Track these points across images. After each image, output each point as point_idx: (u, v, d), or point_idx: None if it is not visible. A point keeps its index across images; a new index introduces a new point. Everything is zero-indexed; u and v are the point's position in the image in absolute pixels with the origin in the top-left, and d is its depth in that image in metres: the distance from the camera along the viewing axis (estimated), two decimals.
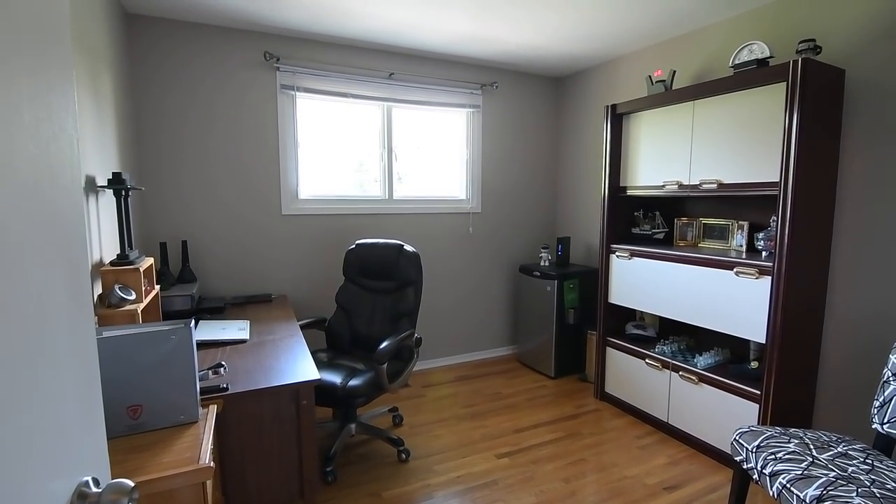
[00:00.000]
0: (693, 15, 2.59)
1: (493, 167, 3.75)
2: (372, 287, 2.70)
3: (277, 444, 1.69)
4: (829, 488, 1.38)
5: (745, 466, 1.66)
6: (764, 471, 1.55)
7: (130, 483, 0.61)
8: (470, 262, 3.76)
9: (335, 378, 2.21)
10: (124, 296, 1.63)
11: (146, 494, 1.04)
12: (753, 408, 2.16)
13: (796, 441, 1.65)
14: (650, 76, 2.74)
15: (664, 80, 2.65)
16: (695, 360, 2.49)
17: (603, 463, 2.36)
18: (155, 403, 1.24)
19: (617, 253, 2.91)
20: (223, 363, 1.72)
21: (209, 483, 1.15)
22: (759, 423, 2.14)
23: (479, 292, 3.83)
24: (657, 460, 2.38)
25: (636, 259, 2.77)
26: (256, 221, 3.01)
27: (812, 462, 1.53)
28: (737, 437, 1.72)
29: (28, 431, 0.48)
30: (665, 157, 2.63)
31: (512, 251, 3.94)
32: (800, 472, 1.47)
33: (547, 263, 3.61)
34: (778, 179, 2.04)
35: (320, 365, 2.35)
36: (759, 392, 2.14)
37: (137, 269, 1.72)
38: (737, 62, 2.26)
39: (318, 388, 2.02)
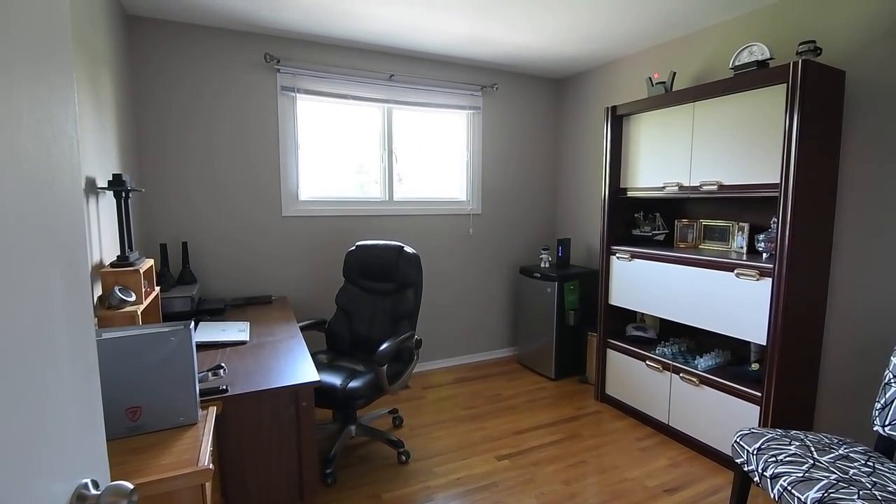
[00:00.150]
0: (692, 17, 2.60)
1: (494, 168, 3.76)
2: (372, 288, 2.70)
3: (277, 445, 1.68)
4: (830, 491, 1.38)
5: (745, 469, 1.66)
6: (765, 473, 1.55)
7: (129, 485, 0.61)
8: (470, 264, 3.76)
9: (335, 380, 2.20)
10: (124, 297, 1.63)
11: (145, 496, 1.04)
12: (754, 410, 2.16)
13: (797, 443, 1.65)
14: (650, 78, 2.74)
15: (664, 82, 2.66)
16: (695, 362, 2.49)
17: (603, 465, 2.36)
18: (154, 405, 1.24)
19: (617, 254, 2.91)
20: (223, 365, 1.72)
21: (208, 485, 1.15)
22: (759, 426, 2.13)
23: (479, 294, 3.83)
24: (658, 462, 2.38)
25: (637, 260, 2.77)
26: (257, 223, 3.01)
27: (813, 464, 1.52)
28: (737, 440, 1.72)
29: (27, 433, 0.48)
30: (665, 158, 2.63)
31: (512, 252, 3.94)
32: (801, 475, 1.47)
33: (547, 265, 3.61)
34: (778, 181, 2.04)
35: (320, 366, 2.34)
36: (759, 394, 2.14)
37: (137, 271, 1.72)
38: (737, 64, 2.26)
39: (318, 389, 2.02)
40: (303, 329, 2.44)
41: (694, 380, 2.44)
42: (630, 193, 2.88)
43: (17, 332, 0.47)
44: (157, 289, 2.11)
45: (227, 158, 2.89)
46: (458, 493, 2.13)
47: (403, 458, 2.38)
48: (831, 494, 1.37)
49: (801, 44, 2.08)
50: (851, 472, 1.49)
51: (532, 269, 3.57)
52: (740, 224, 2.49)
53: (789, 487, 1.44)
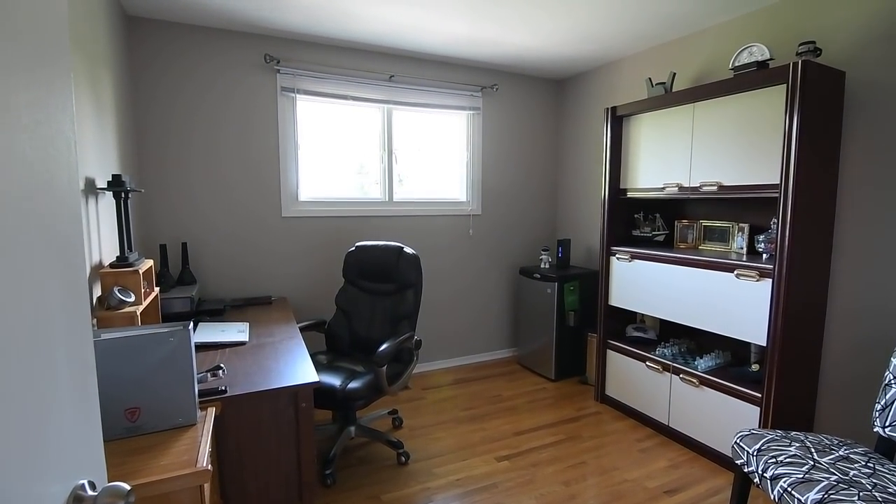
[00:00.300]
0: (691, 17, 2.60)
1: (494, 169, 3.76)
2: (372, 289, 2.70)
3: (276, 446, 1.68)
4: (830, 492, 1.38)
5: (746, 470, 1.65)
6: (765, 474, 1.54)
7: (126, 486, 0.61)
8: (470, 264, 3.76)
9: (334, 380, 2.20)
10: (123, 298, 1.63)
11: (143, 497, 1.03)
12: (754, 411, 2.16)
13: (797, 444, 1.64)
14: (650, 78, 2.74)
15: (664, 83, 2.66)
16: (695, 363, 2.49)
17: (603, 466, 2.36)
18: (153, 406, 1.24)
19: (617, 255, 2.90)
20: (222, 365, 1.72)
21: (207, 486, 1.15)
22: (760, 426, 2.13)
23: (479, 294, 3.83)
24: (658, 463, 2.38)
25: (637, 261, 2.77)
26: (256, 223, 3.01)
27: (813, 466, 1.52)
28: (738, 441, 1.72)
29: (23, 434, 0.48)
30: (665, 159, 2.63)
31: (512, 253, 3.93)
32: (801, 476, 1.46)
33: (547, 265, 3.61)
34: (778, 181, 2.04)
35: (319, 367, 2.34)
36: (759, 395, 2.13)
37: (137, 271, 1.72)
38: (737, 64, 2.26)
39: (318, 390, 2.02)
40: (302, 330, 2.44)
41: (694, 381, 2.43)
42: (630, 194, 2.87)
43: (13, 331, 0.47)
44: (157, 289, 2.11)
45: (227, 159, 2.89)
46: (457, 494, 2.13)
47: (403, 458, 2.38)
48: (831, 496, 1.36)
49: (800, 44, 2.08)
50: (852, 473, 1.49)
51: (532, 270, 3.57)
52: (740, 225, 2.48)
53: (789, 489, 1.44)
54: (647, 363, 2.71)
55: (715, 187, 2.36)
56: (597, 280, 3.26)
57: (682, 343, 2.77)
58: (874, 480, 1.45)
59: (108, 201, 2.01)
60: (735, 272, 2.22)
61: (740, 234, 2.48)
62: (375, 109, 3.31)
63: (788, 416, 2.15)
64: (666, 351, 2.67)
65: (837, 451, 1.61)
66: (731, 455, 2.13)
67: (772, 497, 1.50)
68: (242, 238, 2.98)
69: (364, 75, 3.19)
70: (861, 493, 1.37)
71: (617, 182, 2.94)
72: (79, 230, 0.67)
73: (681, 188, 2.54)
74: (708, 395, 2.37)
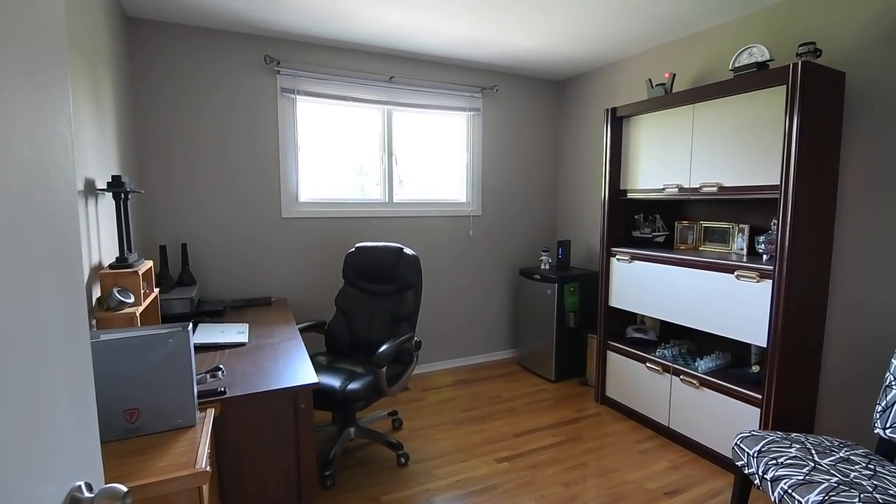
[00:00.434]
0: (689, 19, 2.59)
1: (494, 170, 3.75)
2: (371, 290, 2.69)
3: (275, 448, 1.68)
4: (830, 494, 1.37)
5: (746, 471, 1.65)
6: (765, 476, 1.54)
7: (123, 488, 0.61)
8: (470, 265, 3.75)
9: (334, 382, 2.20)
10: (123, 299, 1.62)
11: (142, 499, 1.03)
12: (755, 412, 2.15)
13: (798, 446, 1.64)
14: (650, 79, 2.74)
15: (664, 84, 2.66)
16: (696, 364, 2.48)
17: (603, 467, 2.35)
18: (152, 407, 1.24)
19: (617, 256, 2.90)
20: (221, 367, 1.72)
21: (206, 488, 1.14)
22: (760, 428, 2.13)
23: (479, 295, 3.82)
24: (658, 465, 2.37)
25: (637, 262, 2.77)
26: (256, 224, 3.01)
27: (814, 467, 1.51)
28: (738, 442, 1.71)
29: (19, 436, 0.48)
30: (665, 160, 2.63)
31: (512, 254, 3.93)
32: (801, 478, 1.46)
33: (547, 266, 3.60)
34: (778, 182, 2.03)
35: (319, 368, 2.34)
36: (760, 396, 2.13)
37: (136, 272, 1.72)
38: (737, 65, 2.26)
39: (317, 391, 2.02)
40: (302, 331, 2.44)
41: (694, 382, 2.43)
42: (630, 195, 2.87)
43: (9, 332, 0.47)
44: (157, 290, 2.10)
45: (227, 160, 2.89)
46: (457, 495, 2.13)
47: (403, 460, 2.37)
48: (832, 497, 1.36)
49: (800, 45, 2.08)
50: (852, 475, 1.48)
51: (532, 271, 3.57)
52: (740, 226, 2.48)
53: (790, 490, 1.43)
54: (648, 364, 2.71)
55: (715, 188, 2.36)
56: (597, 281, 3.26)
57: (682, 344, 2.77)
58: (875, 482, 1.44)
59: (107, 202, 2.01)
60: (735, 273, 2.22)
61: (740, 235, 2.48)
62: (375, 110, 3.31)
63: (789, 417, 2.14)
64: (666, 352, 2.67)
65: (838, 453, 1.61)
66: (731, 456, 2.13)
67: (772, 499, 1.49)
68: (242, 239, 2.98)
69: (364, 76, 3.19)
70: (862, 495, 1.36)
71: (617, 183, 2.94)
72: (76, 231, 0.67)
73: (681, 189, 2.54)
74: (708, 396, 2.37)
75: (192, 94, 2.78)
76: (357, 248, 2.75)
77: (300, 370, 1.80)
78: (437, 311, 3.65)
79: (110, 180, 1.79)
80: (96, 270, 1.79)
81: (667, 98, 2.56)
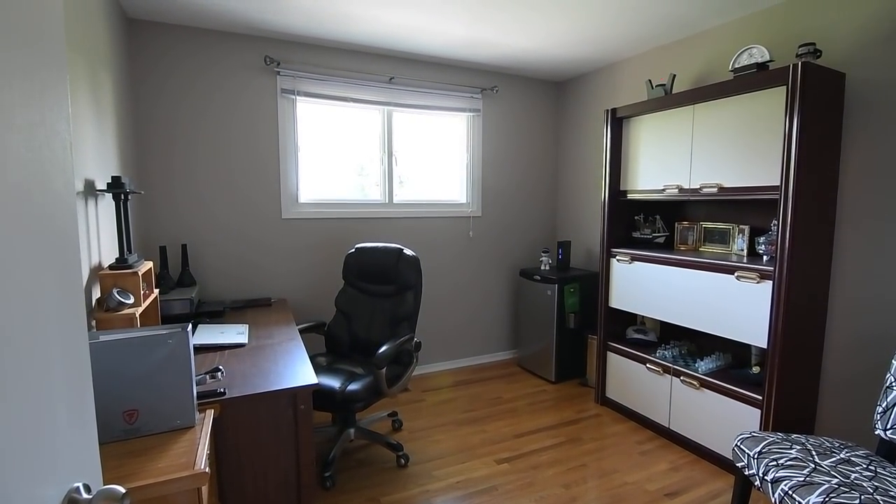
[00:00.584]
0: (689, 20, 2.60)
1: (494, 171, 3.75)
2: (371, 291, 2.69)
3: (275, 448, 1.67)
4: (831, 495, 1.37)
5: (746, 473, 1.65)
6: (766, 477, 1.53)
7: (121, 489, 0.60)
8: (470, 266, 3.75)
9: (334, 382, 2.20)
10: (122, 300, 1.62)
11: (141, 500, 1.03)
12: (755, 413, 2.15)
13: (798, 447, 1.64)
14: (650, 80, 2.74)
15: (664, 84, 2.66)
16: (696, 365, 2.48)
17: (604, 468, 2.35)
18: (151, 408, 1.24)
19: (617, 257, 2.90)
20: (220, 367, 1.72)
21: (205, 489, 1.14)
22: (760, 429, 2.12)
23: (479, 296, 3.82)
24: (658, 466, 2.37)
25: (637, 263, 2.76)
26: (256, 225, 3.01)
27: (814, 468, 1.51)
28: (738, 443, 1.71)
29: (17, 437, 0.48)
30: (665, 160, 2.63)
31: (512, 255, 3.93)
32: (802, 479, 1.46)
33: (547, 267, 3.60)
34: (779, 183, 2.03)
35: (319, 369, 2.34)
36: (760, 397, 2.12)
37: (136, 273, 1.72)
38: (737, 66, 2.26)
39: (317, 392, 2.02)
40: (302, 331, 2.44)
41: (694, 383, 2.43)
42: (630, 196, 2.87)
43: (6, 333, 0.47)
44: (156, 291, 2.10)
45: (227, 160, 2.90)
46: (457, 496, 2.12)
47: (403, 461, 2.37)
48: (832, 499, 1.35)
49: (800, 46, 2.08)
50: (853, 476, 1.48)
51: (532, 272, 3.57)
52: (740, 226, 2.48)
53: (790, 492, 1.43)
54: (648, 365, 2.70)
55: (715, 189, 2.36)
56: (597, 282, 3.26)
57: (682, 345, 2.76)
58: (875, 483, 1.44)
59: (107, 203, 2.01)
60: (735, 274, 2.22)
61: (740, 235, 2.48)
62: (375, 111, 3.31)
63: (789, 418, 2.14)
64: (666, 353, 2.67)
65: (839, 454, 1.61)
66: (731, 458, 2.13)
67: (772, 500, 1.49)
68: (242, 240, 2.98)
69: (364, 77, 3.19)
70: (862, 497, 1.36)
71: (617, 184, 2.94)
72: (75, 232, 0.67)
73: (681, 190, 2.54)
74: (708, 397, 2.36)
75: (192, 95, 2.78)
76: (357, 248, 2.75)
77: (300, 371, 1.79)
78: (437, 311, 3.65)
79: (110, 181, 1.79)
80: (96, 271, 1.79)
81: (667, 99, 2.56)
